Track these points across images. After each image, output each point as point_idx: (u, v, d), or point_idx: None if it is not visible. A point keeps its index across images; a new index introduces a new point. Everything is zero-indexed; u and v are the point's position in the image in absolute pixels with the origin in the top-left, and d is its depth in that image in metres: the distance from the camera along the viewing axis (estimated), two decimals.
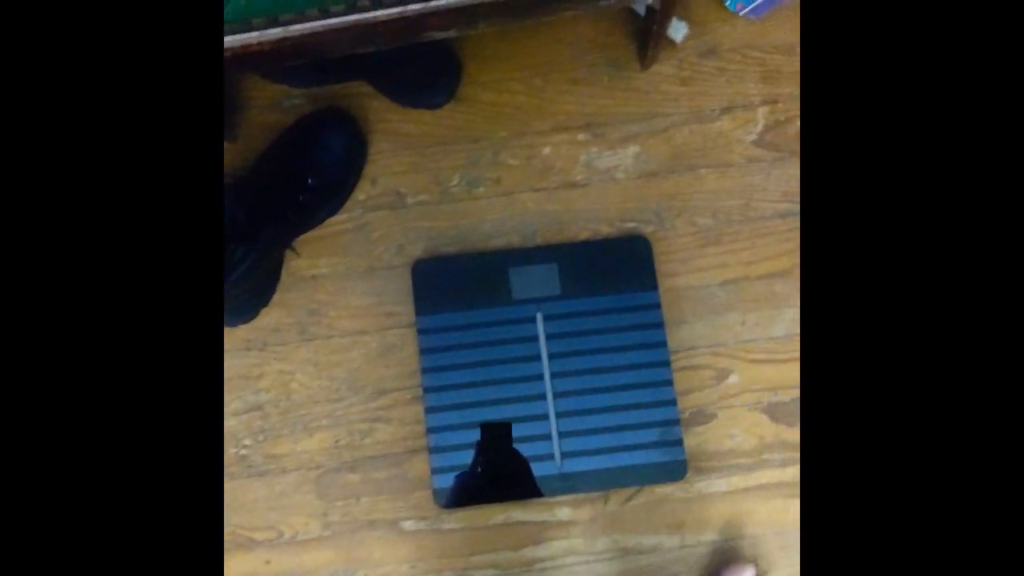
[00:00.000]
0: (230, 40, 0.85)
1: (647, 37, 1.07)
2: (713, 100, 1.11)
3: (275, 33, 0.85)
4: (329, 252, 1.06)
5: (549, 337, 1.03)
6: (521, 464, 1.01)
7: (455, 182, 1.08)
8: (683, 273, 1.07)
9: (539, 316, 1.03)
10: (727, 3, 1.11)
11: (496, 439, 1.01)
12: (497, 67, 1.11)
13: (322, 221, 1.06)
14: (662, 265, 1.06)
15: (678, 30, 1.09)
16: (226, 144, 1.07)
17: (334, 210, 1.06)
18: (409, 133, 1.09)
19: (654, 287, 1.05)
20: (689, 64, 1.12)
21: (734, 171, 1.09)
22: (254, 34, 0.85)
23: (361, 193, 1.08)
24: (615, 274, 1.05)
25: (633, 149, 1.09)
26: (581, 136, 1.10)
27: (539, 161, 1.09)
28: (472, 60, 1.11)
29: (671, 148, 1.10)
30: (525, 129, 1.10)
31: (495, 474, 1.01)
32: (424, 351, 1.03)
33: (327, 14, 0.85)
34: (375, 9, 0.85)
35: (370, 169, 1.08)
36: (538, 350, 1.02)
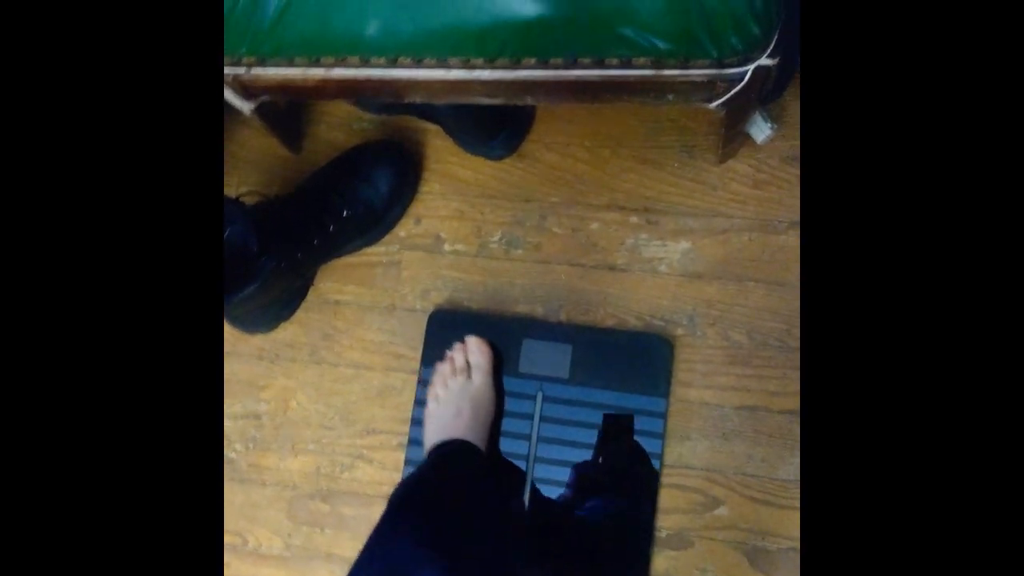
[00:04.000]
0: (273, 72, 0.86)
1: (728, 131, 1.01)
2: (783, 211, 1.04)
3: (317, 73, 0.86)
4: (357, 281, 1.07)
5: (544, 419, 1.00)
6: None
7: (496, 238, 1.06)
8: (700, 387, 1.01)
9: (540, 396, 1.01)
10: None
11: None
12: (567, 129, 1.08)
13: (358, 249, 1.07)
14: (681, 373, 1.01)
15: (761, 131, 1.02)
16: (288, 156, 1.10)
17: (371, 241, 1.07)
18: (464, 179, 1.08)
19: (664, 395, 1.00)
20: (768, 167, 1.05)
21: (785, 292, 1.02)
22: (296, 71, 0.86)
23: (402, 229, 1.08)
24: (629, 371, 1.01)
25: (684, 244, 1.04)
26: (634, 219, 1.05)
27: (584, 235, 1.05)
28: (544, 117, 1.08)
29: (724, 252, 1.03)
30: (579, 199, 1.06)
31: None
32: (420, 402, 1.02)
33: (367, 64, 0.85)
34: (416, 68, 0.85)
35: (416, 207, 1.08)
36: (529, 430, 1.00)
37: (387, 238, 1.08)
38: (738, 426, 1.00)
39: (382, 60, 0.84)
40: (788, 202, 1.04)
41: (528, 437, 1.00)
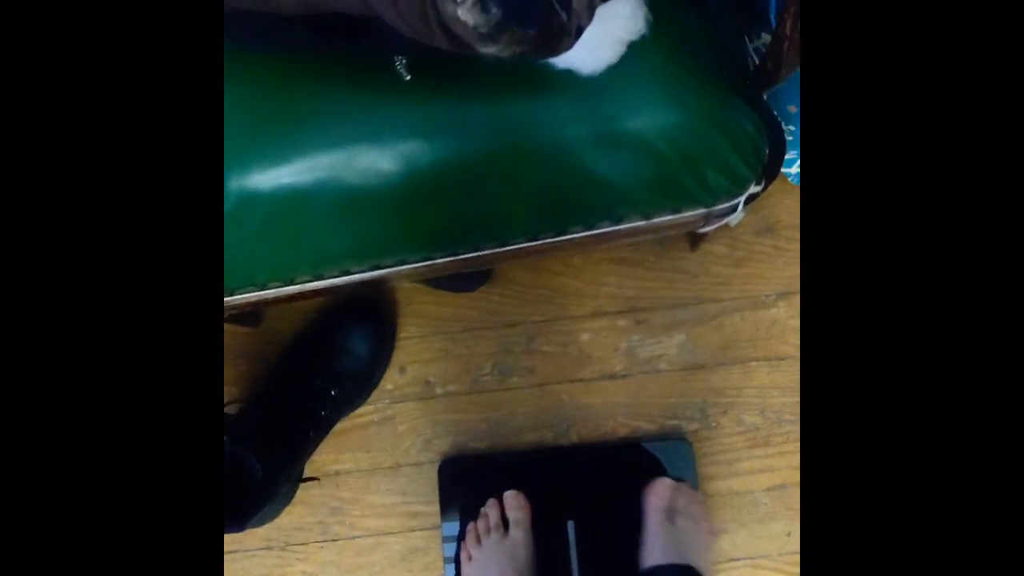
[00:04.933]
0: (242, 298, 0.79)
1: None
2: (768, 284, 1.02)
3: (291, 290, 0.79)
4: (353, 447, 1.02)
5: (580, 549, 0.98)
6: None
7: (487, 371, 1.02)
8: (726, 477, 1.01)
9: (571, 525, 0.99)
10: (790, 178, 1.01)
11: None
12: None
13: (346, 415, 1.01)
14: (704, 468, 1.00)
15: (736, 216, 1.00)
16: (249, 331, 1.02)
17: (358, 405, 1.01)
18: (441, 316, 1.03)
19: None
20: (744, 243, 1.03)
21: (787, 364, 1.01)
22: (269, 292, 0.79)
23: (388, 383, 1.02)
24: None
25: (679, 337, 1.02)
26: (622, 322, 1.02)
27: (576, 349, 1.02)
28: None
29: (720, 337, 1.02)
30: (563, 313, 1.03)
31: None
32: (449, 560, 0.99)
33: (347, 273, 0.79)
34: (398, 266, 0.79)
35: (399, 356, 1.03)
36: (569, 565, 0.98)
37: (374, 395, 1.02)
38: (771, 508, 1.00)
39: (364, 266, 0.78)
40: (770, 275, 1.03)
41: (570, 574, 0.98)
